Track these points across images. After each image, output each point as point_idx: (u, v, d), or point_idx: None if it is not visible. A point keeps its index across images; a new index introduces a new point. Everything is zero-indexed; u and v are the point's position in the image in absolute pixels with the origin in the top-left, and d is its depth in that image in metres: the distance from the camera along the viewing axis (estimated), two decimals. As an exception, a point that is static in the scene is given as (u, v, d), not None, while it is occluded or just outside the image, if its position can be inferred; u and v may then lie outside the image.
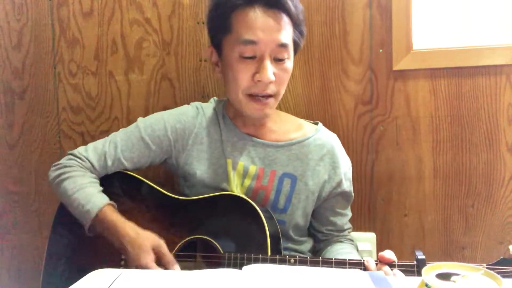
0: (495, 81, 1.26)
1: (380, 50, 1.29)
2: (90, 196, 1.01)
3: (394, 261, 0.89)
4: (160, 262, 0.94)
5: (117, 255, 1.01)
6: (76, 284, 0.70)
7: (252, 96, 1.01)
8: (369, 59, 1.30)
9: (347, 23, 1.29)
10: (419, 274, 0.85)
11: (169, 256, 0.95)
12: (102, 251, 1.04)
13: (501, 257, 0.85)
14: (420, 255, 0.86)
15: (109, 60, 1.40)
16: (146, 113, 1.39)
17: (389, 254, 0.90)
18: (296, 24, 1.02)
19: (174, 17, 1.36)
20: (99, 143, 1.10)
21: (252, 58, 0.99)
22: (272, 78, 0.98)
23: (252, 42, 0.97)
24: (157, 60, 1.38)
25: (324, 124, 1.17)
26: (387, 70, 1.29)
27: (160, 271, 0.90)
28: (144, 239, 0.96)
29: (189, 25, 1.35)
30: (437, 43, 1.29)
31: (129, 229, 0.97)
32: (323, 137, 1.12)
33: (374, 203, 1.34)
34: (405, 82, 1.29)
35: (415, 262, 0.88)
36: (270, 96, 1.01)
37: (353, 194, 1.15)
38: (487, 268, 0.81)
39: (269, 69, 0.98)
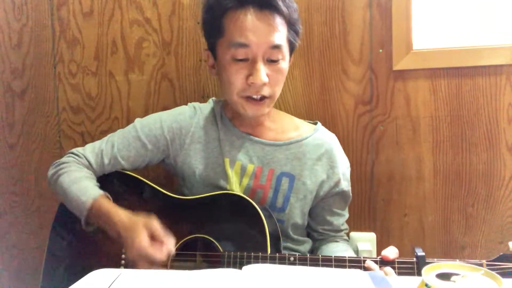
0: (495, 81, 1.26)
1: (380, 50, 1.29)
2: (86, 189, 1.03)
3: (396, 259, 0.89)
4: (155, 237, 0.94)
5: (117, 255, 1.02)
6: (76, 284, 0.70)
7: (248, 98, 1.02)
8: (369, 59, 1.30)
9: (347, 23, 1.29)
10: (418, 270, 0.85)
11: (160, 230, 0.95)
12: (102, 251, 1.04)
13: (501, 253, 0.85)
14: (420, 252, 0.87)
15: (109, 60, 1.39)
16: (146, 113, 1.39)
17: (392, 254, 0.89)
18: (290, 24, 1.02)
19: (174, 17, 1.35)
20: (96, 143, 1.13)
21: (245, 60, 0.99)
22: (266, 80, 0.98)
23: (244, 45, 0.97)
24: (157, 60, 1.38)
25: (324, 124, 1.17)
26: (387, 70, 1.29)
27: (160, 271, 0.90)
28: (135, 219, 0.97)
29: (189, 25, 1.35)
30: (437, 43, 1.29)
31: (122, 214, 0.98)
32: (321, 136, 1.12)
33: (374, 203, 1.34)
34: (405, 82, 1.29)
35: (414, 259, 0.88)
36: (265, 97, 1.02)
37: (351, 194, 1.15)
38: (487, 264, 0.81)
39: (262, 71, 0.98)
